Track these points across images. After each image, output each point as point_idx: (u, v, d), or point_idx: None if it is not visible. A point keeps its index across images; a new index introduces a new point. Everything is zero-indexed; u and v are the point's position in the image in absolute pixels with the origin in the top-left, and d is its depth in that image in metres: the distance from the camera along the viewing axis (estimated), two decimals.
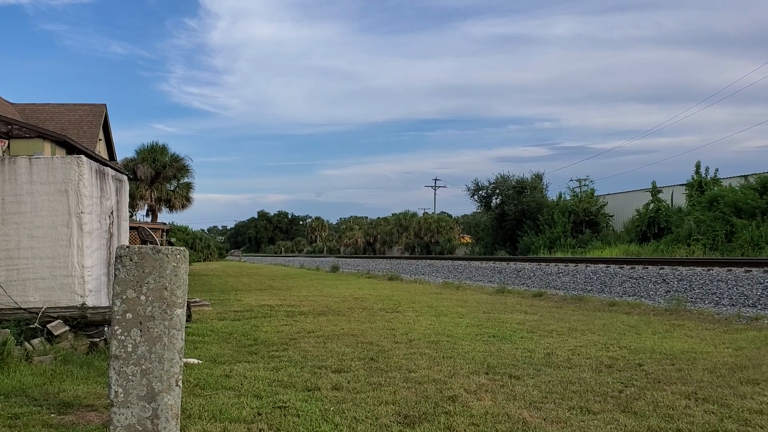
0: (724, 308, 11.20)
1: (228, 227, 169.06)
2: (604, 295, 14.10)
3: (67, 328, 6.96)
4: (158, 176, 42.47)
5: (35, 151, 13.57)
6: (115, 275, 3.66)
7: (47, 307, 7.09)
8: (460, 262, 29.46)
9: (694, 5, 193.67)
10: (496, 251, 42.22)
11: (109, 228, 8.75)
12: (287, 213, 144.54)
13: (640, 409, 4.75)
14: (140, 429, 3.57)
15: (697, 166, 32.34)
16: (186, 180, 44.65)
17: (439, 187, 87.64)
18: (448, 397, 5.09)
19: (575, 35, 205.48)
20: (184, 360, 4.86)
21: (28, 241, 7.46)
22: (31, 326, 6.82)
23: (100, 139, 26.95)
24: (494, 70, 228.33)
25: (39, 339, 6.68)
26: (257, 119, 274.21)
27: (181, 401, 3.88)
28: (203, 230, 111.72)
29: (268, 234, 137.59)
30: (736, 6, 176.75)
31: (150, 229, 22.15)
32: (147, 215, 43.49)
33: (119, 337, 3.61)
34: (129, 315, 3.61)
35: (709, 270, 14.98)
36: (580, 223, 38.60)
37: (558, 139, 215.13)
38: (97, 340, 7.12)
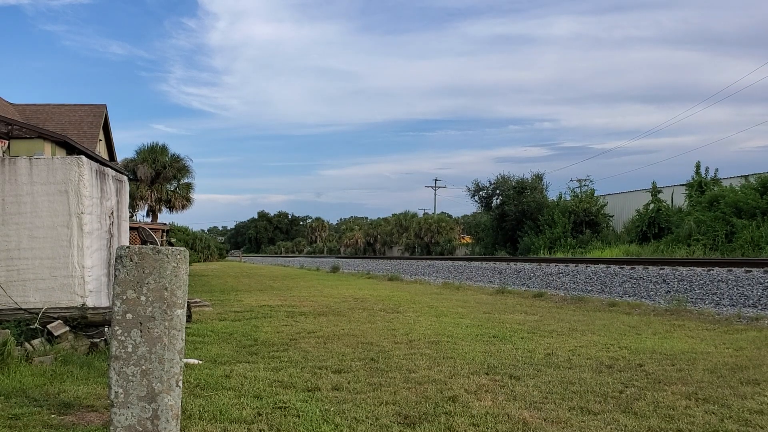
0: (725, 308, 11.19)
1: (228, 227, 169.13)
2: (605, 296, 14.09)
3: (68, 328, 6.96)
4: (158, 177, 42.48)
5: (35, 152, 13.56)
6: (116, 276, 3.66)
7: (47, 308, 7.09)
8: (461, 262, 29.45)
9: (694, 5, 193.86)
10: (497, 251, 42.20)
11: (110, 228, 8.75)
12: (287, 213, 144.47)
13: (641, 409, 4.74)
14: (140, 429, 3.57)
15: (697, 166, 32.34)
16: (186, 180, 44.71)
17: (439, 187, 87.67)
18: (448, 397, 5.09)
19: (575, 35, 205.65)
20: (185, 360, 4.86)
21: (28, 242, 7.46)
22: (32, 327, 6.82)
23: (100, 140, 26.94)
24: (494, 70, 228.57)
25: (39, 339, 6.68)
26: (257, 119, 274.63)
27: (182, 402, 3.88)
28: (203, 230, 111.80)
29: (268, 234, 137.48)
30: (736, 6, 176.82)
31: (150, 229, 22.15)
32: (147, 215, 43.52)
33: (119, 337, 3.61)
34: (129, 315, 3.61)
35: (709, 270, 14.97)
36: (581, 223, 38.58)
37: (558, 139, 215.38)
38: (98, 340, 7.12)
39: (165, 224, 39.96)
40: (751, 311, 10.61)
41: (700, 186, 31.53)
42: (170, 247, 3.76)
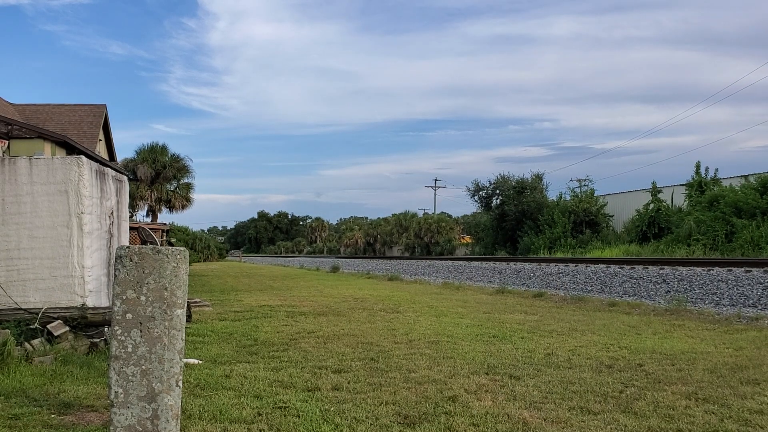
0: (725, 308, 11.19)
1: (228, 227, 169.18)
2: (605, 296, 14.09)
3: (68, 328, 6.96)
4: (158, 176, 42.49)
5: (35, 152, 13.56)
6: (115, 275, 3.66)
7: (47, 308, 7.09)
8: (460, 262, 29.45)
9: (694, 5, 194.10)
10: (496, 251, 42.21)
11: (110, 228, 8.75)
12: (287, 213, 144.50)
13: (641, 409, 4.74)
14: (140, 429, 3.57)
15: (697, 166, 32.36)
16: (186, 180, 44.74)
17: (439, 187, 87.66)
18: (448, 397, 5.09)
19: (575, 35, 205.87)
20: (185, 360, 4.86)
21: (28, 242, 7.46)
22: (32, 327, 6.82)
23: (100, 140, 26.94)
24: (494, 70, 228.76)
25: (39, 339, 6.68)
26: (257, 119, 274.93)
27: (182, 401, 3.88)
28: (203, 230, 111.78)
29: (268, 234, 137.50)
30: (736, 6, 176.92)
31: (150, 229, 22.15)
32: (147, 215, 43.53)
33: (119, 337, 3.61)
34: (129, 315, 3.61)
35: (709, 270, 14.97)
36: (580, 223, 38.58)
37: (558, 139, 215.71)
38: (97, 340, 7.12)
39: (165, 224, 39.96)
40: (751, 311, 10.61)
41: (700, 186, 31.55)
42: (170, 247, 3.76)
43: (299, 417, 4.52)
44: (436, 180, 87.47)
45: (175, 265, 3.66)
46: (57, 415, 4.60)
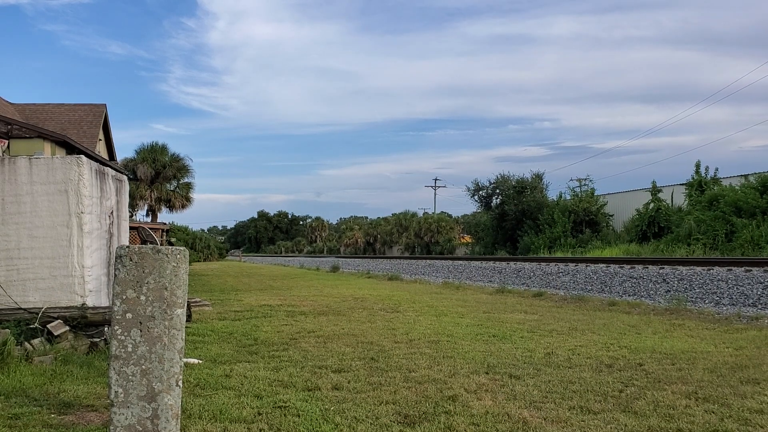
0: (725, 308, 11.19)
1: (228, 227, 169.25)
2: (605, 295, 14.09)
3: (67, 328, 6.96)
4: (158, 176, 42.51)
5: (35, 151, 13.57)
6: (115, 275, 3.66)
7: (47, 308, 7.09)
8: (460, 262, 29.45)
9: (694, 5, 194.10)
10: (496, 251, 42.21)
11: (109, 228, 8.75)
12: (287, 213, 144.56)
13: (641, 408, 4.74)
14: (140, 429, 3.57)
15: (697, 165, 32.37)
16: (186, 180, 44.77)
17: (439, 187, 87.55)
18: (448, 396, 5.09)
19: (575, 35, 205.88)
20: (185, 360, 4.86)
21: (28, 241, 7.45)
22: (31, 326, 6.82)
23: (100, 139, 26.94)
24: (494, 70, 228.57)
25: (39, 339, 6.68)
26: (257, 119, 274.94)
27: (182, 401, 3.88)
28: (203, 230, 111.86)
29: (268, 234, 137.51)
30: (736, 6, 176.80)
31: (150, 229, 22.13)
32: (147, 215, 43.54)
33: (119, 337, 3.60)
34: (129, 315, 3.61)
35: (709, 269, 14.97)
36: (580, 222, 38.59)
37: (558, 139, 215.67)
38: (97, 340, 7.12)
39: (165, 224, 39.96)
40: (750, 310, 10.61)
41: (699, 185, 31.56)
42: (170, 247, 3.76)
43: (299, 416, 4.52)
44: (436, 180, 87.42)
45: (175, 264, 3.66)
46: (57, 415, 4.60)
